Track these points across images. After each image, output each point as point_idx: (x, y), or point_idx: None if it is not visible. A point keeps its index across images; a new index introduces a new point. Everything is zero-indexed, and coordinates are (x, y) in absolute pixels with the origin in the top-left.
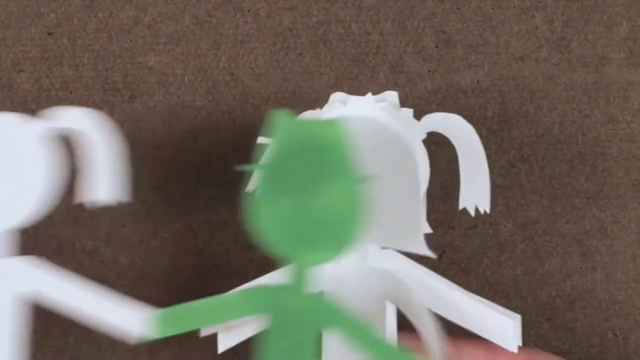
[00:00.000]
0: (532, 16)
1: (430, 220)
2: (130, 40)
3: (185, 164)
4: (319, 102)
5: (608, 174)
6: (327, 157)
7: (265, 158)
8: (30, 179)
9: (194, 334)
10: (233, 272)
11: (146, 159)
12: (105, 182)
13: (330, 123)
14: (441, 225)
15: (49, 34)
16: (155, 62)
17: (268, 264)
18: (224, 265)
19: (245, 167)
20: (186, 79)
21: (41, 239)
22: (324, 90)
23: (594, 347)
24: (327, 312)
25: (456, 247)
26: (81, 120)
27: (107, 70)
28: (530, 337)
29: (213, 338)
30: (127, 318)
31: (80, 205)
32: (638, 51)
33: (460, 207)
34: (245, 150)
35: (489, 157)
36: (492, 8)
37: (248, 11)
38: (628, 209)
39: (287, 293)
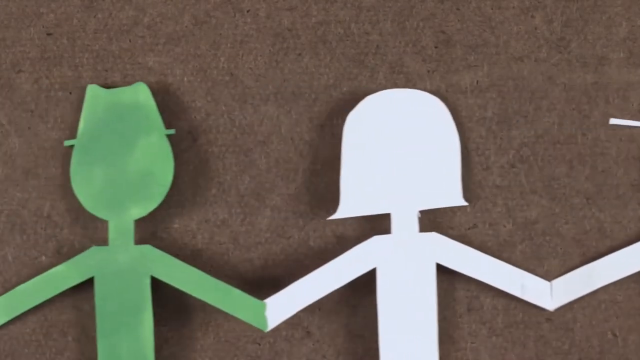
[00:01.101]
0: (532, 16)
1: (430, 220)
2: (130, 41)
3: (185, 164)
4: (319, 102)
5: (607, 175)
6: (135, 118)
7: (79, 130)
8: None
9: (194, 335)
10: (233, 272)
11: None
12: None
13: (136, 87)
14: (441, 226)
15: (49, 34)
16: (155, 63)
17: (267, 264)
18: (224, 265)
19: (67, 142)
20: (185, 79)
21: (41, 239)
22: (323, 90)
23: (593, 347)
24: (158, 259)
25: None
26: None
27: (106, 70)
28: (530, 337)
29: (211, 337)
30: None
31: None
32: (637, 51)
33: None
34: (245, 150)
35: (488, 158)
36: (492, 8)
37: (247, 11)
38: (628, 209)
39: (115, 250)
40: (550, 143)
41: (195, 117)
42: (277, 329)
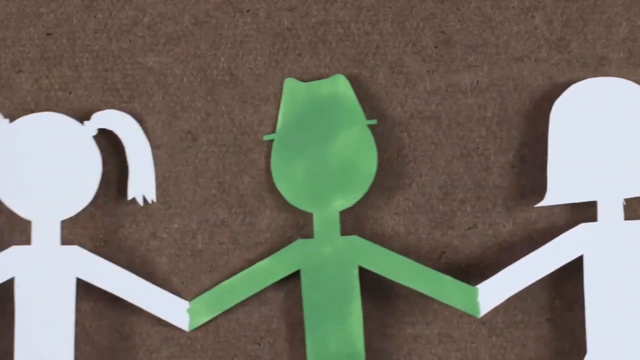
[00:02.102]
0: (532, 16)
1: (430, 220)
2: (130, 41)
3: (184, 164)
4: None
5: None
6: (335, 110)
7: (278, 124)
8: (87, 174)
9: (191, 334)
10: (233, 273)
11: None
12: (133, 181)
13: (335, 79)
14: (441, 226)
15: (49, 34)
16: (155, 63)
17: None
18: (224, 266)
19: (267, 137)
20: (185, 79)
21: None
22: None
23: None
24: (366, 249)
25: (456, 247)
26: (113, 123)
27: (106, 70)
28: (530, 337)
29: (210, 337)
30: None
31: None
32: (637, 51)
33: None
34: (245, 150)
35: (488, 158)
36: (492, 8)
37: (247, 11)
38: (627, 210)
39: (321, 241)
40: None
41: (195, 117)
42: (277, 329)
